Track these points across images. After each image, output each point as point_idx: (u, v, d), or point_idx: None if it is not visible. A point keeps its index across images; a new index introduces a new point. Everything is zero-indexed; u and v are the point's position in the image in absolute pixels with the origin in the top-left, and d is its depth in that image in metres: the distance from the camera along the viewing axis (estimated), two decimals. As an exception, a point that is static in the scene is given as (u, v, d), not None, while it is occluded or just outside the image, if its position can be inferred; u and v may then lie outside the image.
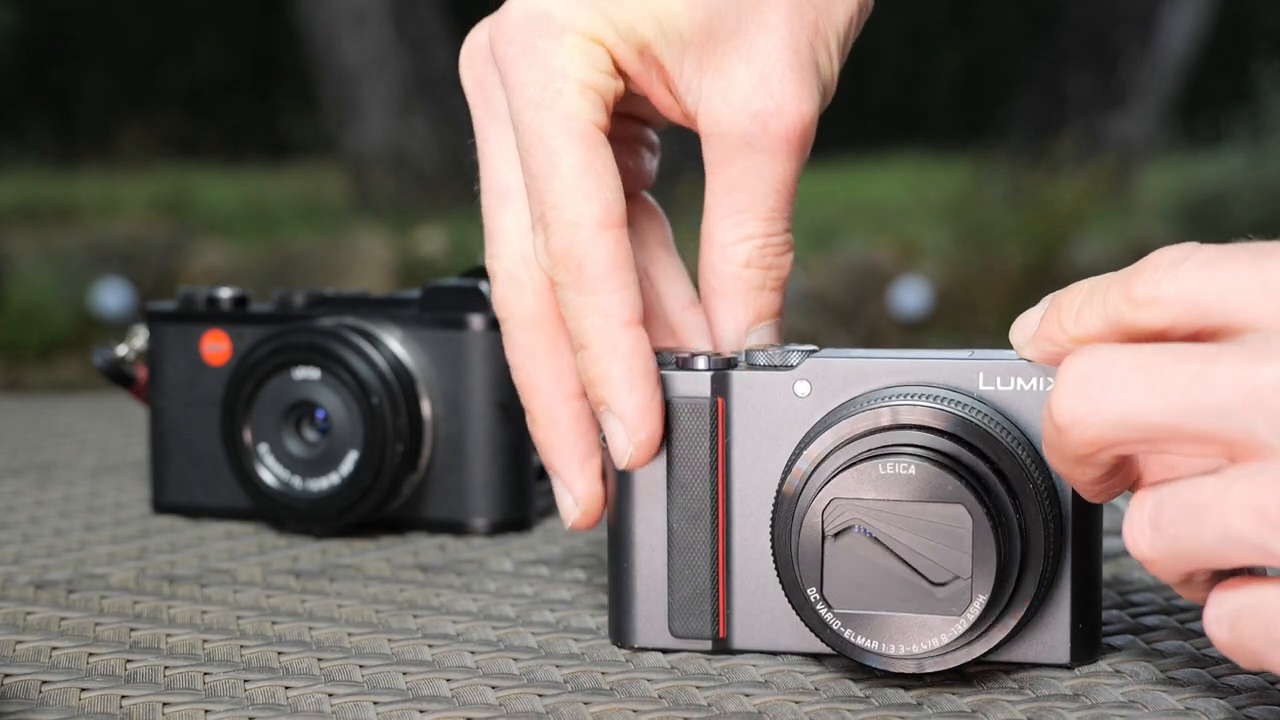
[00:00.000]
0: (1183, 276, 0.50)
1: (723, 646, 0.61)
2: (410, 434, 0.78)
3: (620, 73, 0.62)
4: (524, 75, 0.61)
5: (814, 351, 0.60)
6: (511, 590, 0.71)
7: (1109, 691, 0.57)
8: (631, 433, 0.60)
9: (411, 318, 0.79)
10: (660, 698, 0.57)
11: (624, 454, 0.60)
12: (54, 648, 0.63)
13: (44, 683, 0.59)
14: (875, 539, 0.56)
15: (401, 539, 0.79)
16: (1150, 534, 0.50)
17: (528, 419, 0.64)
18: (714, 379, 0.60)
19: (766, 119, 0.63)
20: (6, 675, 0.60)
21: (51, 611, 0.68)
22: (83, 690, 0.58)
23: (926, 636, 0.56)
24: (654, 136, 0.68)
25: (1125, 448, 0.50)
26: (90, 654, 0.62)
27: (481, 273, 0.81)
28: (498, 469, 0.79)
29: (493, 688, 0.58)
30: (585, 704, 0.56)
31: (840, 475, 0.56)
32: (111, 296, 4.41)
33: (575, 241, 0.60)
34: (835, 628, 0.56)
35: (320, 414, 0.78)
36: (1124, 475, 0.54)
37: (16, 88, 7.00)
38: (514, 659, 0.61)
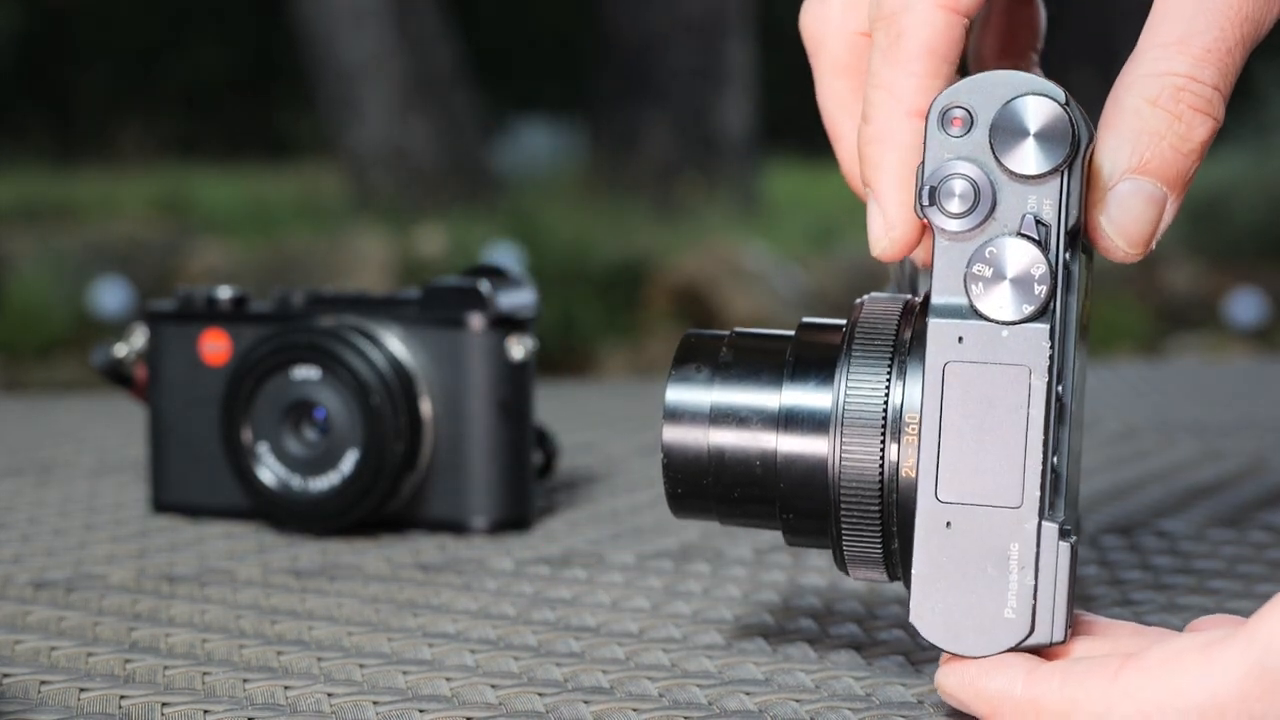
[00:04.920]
0: None
1: None
2: (410, 433, 0.78)
3: None
4: None
5: None
6: (511, 589, 0.71)
7: (1110, 691, 0.57)
8: (890, 227, 0.58)
9: (411, 317, 0.79)
10: (660, 696, 0.57)
11: (879, 243, 0.58)
12: (53, 648, 0.63)
13: (43, 683, 0.59)
14: None
15: (401, 538, 0.79)
16: None
17: (840, 168, 0.62)
18: None
19: None
20: (6, 675, 0.60)
21: (50, 611, 0.68)
22: (82, 690, 0.58)
23: None
24: None
25: None
26: (89, 654, 0.62)
27: (481, 272, 0.81)
28: (498, 468, 0.79)
29: (493, 686, 0.58)
30: (585, 703, 0.56)
31: None
32: (110, 296, 4.40)
33: (907, 7, 0.56)
34: None
35: (320, 413, 0.78)
36: None
37: (16, 87, 7.00)
38: (514, 658, 0.61)
